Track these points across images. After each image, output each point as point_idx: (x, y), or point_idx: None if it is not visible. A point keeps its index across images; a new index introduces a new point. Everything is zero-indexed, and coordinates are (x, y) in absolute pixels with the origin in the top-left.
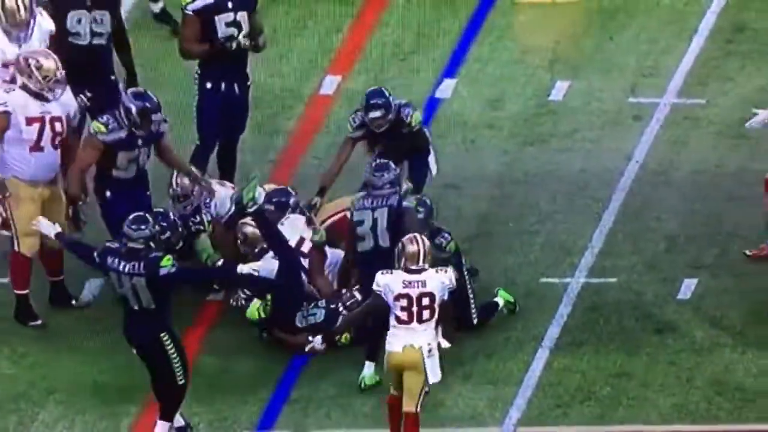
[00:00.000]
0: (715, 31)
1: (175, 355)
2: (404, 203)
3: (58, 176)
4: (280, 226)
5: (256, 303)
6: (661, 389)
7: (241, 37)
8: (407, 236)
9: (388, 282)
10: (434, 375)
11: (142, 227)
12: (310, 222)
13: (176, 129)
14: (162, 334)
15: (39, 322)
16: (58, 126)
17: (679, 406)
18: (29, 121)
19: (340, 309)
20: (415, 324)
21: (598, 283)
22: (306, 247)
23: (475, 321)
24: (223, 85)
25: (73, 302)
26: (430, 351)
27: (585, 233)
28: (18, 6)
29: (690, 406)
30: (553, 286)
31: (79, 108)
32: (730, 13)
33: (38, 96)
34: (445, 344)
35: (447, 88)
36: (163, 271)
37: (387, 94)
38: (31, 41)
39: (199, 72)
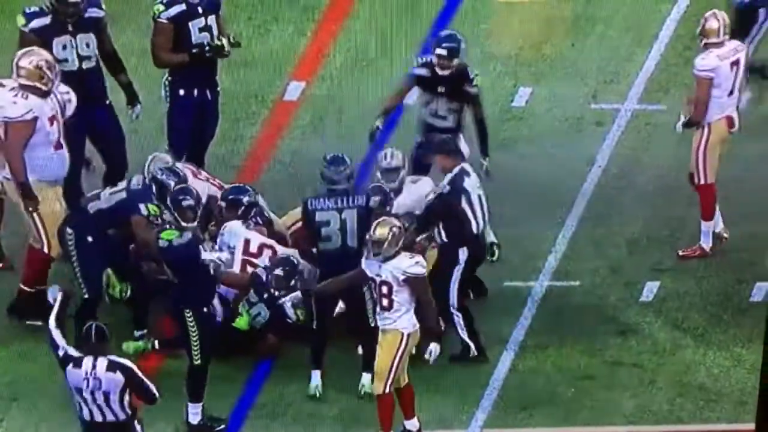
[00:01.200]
0: (675, 39)
1: (195, 335)
2: (370, 203)
3: None
4: (219, 236)
5: (244, 316)
6: (624, 391)
7: (225, 42)
8: (378, 220)
9: (398, 266)
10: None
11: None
12: (270, 230)
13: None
14: (186, 311)
15: (40, 322)
16: (61, 119)
17: (643, 407)
18: (51, 120)
19: (286, 301)
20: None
21: (562, 286)
22: (254, 247)
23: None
24: (195, 92)
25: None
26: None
27: (548, 237)
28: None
29: (653, 407)
30: (518, 290)
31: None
32: (690, 21)
33: (46, 95)
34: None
35: (411, 93)
36: (162, 243)
37: (460, 41)
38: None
39: (170, 79)
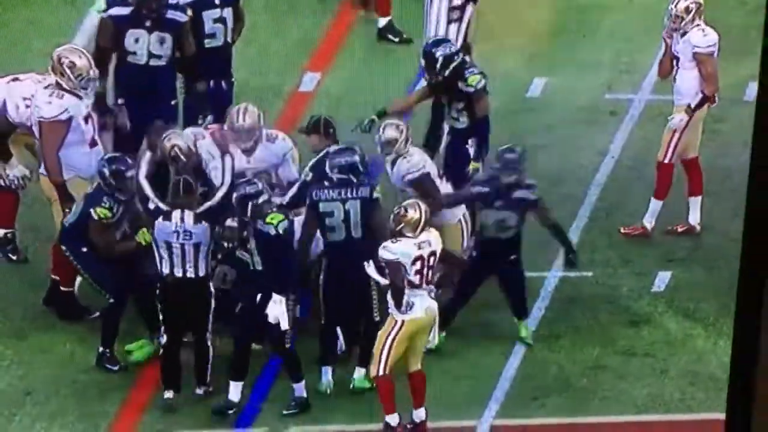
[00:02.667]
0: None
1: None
2: (374, 194)
3: None
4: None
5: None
6: (636, 380)
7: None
8: (409, 201)
9: (405, 249)
10: (435, 336)
11: None
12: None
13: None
14: (278, 298)
15: (97, 313)
16: (96, 115)
17: (654, 396)
18: (86, 119)
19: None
20: (424, 285)
21: (574, 277)
22: None
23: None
24: (211, 84)
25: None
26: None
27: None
28: (90, 62)
29: (664, 397)
30: (530, 281)
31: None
32: (705, 10)
33: (73, 94)
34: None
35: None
36: (267, 228)
37: (439, 47)
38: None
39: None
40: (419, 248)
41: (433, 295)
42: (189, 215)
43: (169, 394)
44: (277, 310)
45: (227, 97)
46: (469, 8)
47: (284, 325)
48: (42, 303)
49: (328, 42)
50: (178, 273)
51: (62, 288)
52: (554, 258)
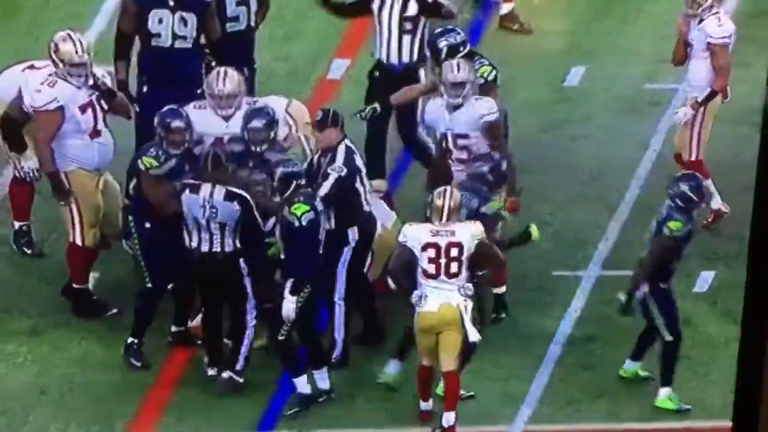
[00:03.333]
0: (733, 17)
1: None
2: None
3: None
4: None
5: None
6: (676, 385)
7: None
8: (439, 189)
9: (416, 233)
10: (474, 334)
11: None
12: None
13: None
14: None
15: (115, 310)
16: (104, 104)
17: (695, 402)
18: (83, 109)
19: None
20: (443, 277)
21: (613, 275)
22: None
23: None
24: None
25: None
26: (466, 309)
27: (599, 224)
28: (76, 47)
29: (705, 402)
30: (566, 279)
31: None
32: None
33: (67, 83)
34: (471, 293)
35: None
36: (291, 219)
37: (443, 37)
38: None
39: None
40: (434, 235)
41: (463, 291)
42: (220, 191)
43: (212, 371)
44: (288, 307)
45: (249, 85)
46: (423, 19)
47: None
48: (61, 294)
49: (358, 28)
50: (205, 248)
51: (74, 285)
52: (591, 255)
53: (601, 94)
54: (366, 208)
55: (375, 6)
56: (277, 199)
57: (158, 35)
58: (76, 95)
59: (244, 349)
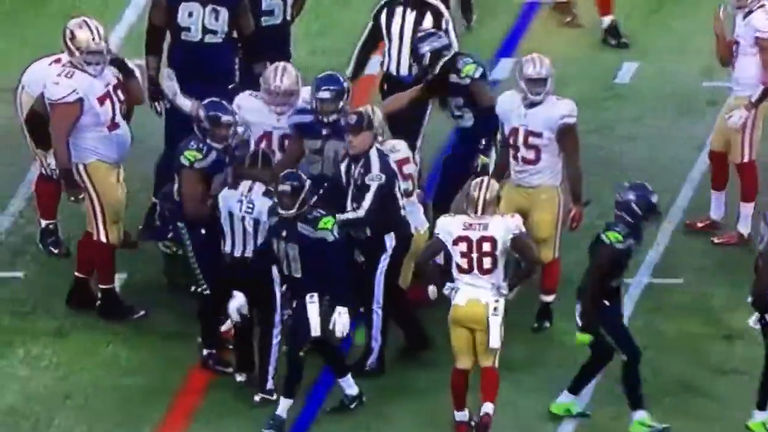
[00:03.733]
0: None
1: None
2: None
3: None
4: None
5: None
6: (727, 401)
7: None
8: (477, 180)
9: (448, 226)
10: (495, 339)
11: None
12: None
13: None
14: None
15: (142, 312)
16: (120, 94)
17: (748, 419)
18: (101, 100)
19: None
20: (476, 273)
21: (663, 283)
22: None
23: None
24: (268, 65)
25: (141, 313)
26: (495, 310)
27: (650, 229)
28: (92, 34)
29: None
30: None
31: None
32: None
33: (84, 72)
34: (505, 293)
35: (503, 68)
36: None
37: (425, 42)
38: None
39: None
40: (465, 229)
41: (495, 291)
42: (260, 187)
43: (240, 377)
44: (343, 322)
45: None
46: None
47: (315, 332)
48: (66, 303)
49: None
50: (237, 252)
51: (100, 285)
52: (640, 261)
53: (654, 92)
54: (402, 213)
55: (383, 20)
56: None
57: (188, 29)
58: (94, 86)
59: (271, 369)
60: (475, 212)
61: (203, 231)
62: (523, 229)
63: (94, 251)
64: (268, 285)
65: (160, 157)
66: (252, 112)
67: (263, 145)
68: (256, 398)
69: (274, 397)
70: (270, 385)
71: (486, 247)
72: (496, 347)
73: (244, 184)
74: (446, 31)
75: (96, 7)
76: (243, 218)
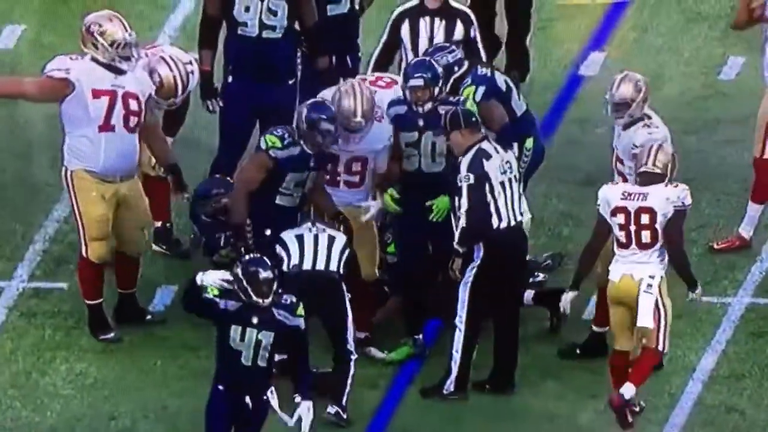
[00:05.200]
0: None
1: None
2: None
3: (137, 171)
4: None
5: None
6: None
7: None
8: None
9: (607, 194)
10: (644, 317)
11: None
12: None
13: None
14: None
15: (111, 335)
16: (133, 104)
17: None
18: (96, 93)
19: None
20: (634, 248)
21: (767, 304)
22: None
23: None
24: (334, 59)
25: (148, 317)
26: (649, 287)
27: (752, 242)
28: (123, 24)
29: None
30: (711, 307)
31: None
32: None
33: (110, 68)
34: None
35: (594, 62)
36: None
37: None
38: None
39: (303, 45)
40: (623, 199)
41: (654, 266)
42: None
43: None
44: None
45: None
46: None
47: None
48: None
49: None
50: (308, 265)
51: (120, 291)
52: (741, 280)
53: (762, 90)
54: (495, 224)
55: (405, 33)
56: None
57: (245, 24)
58: (95, 77)
59: (347, 387)
60: (635, 181)
61: (268, 232)
62: (688, 202)
63: (78, 264)
64: (341, 299)
65: (215, 158)
66: None
67: (329, 167)
68: (331, 410)
69: (345, 415)
70: (345, 401)
71: (644, 219)
72: (644, 326)
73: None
74: (473, 40)
75: None
76: (316, 237)
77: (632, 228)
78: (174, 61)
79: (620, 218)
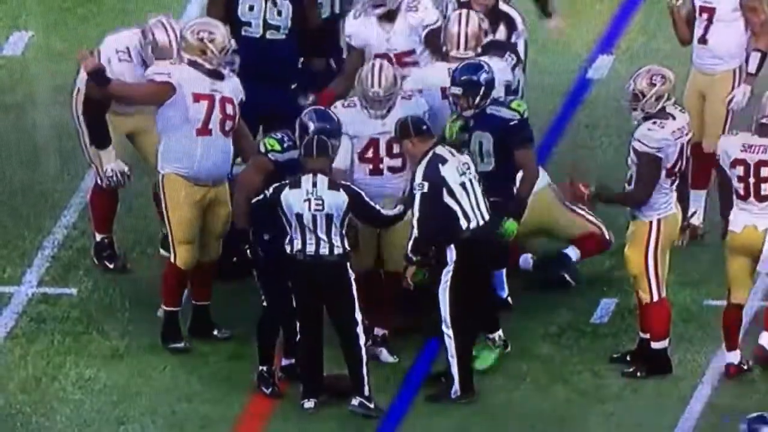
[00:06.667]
0: None
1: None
2: None
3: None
4: None
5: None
6: None
7: None
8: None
9: (726, 145)
10: (765, 262)
11: None
12: None
13: None
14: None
15: (181, 345)
16: (229, 109)
17: None
18: (197, 97)
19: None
20: (752, 200)
21: None
22: None
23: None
24: (332, 63)
25: (215, 332)
26: None
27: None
28: (225, 29)
29: None
30: (720, 311)
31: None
32: None
33: (209, 73)
34: None
35: (602, 66)
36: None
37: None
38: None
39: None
40: (743, 151)
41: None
42: (323, 181)
43: (309, 404)
44: None
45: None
46: None
47: None
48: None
49: None
50: (310, 249)
51: (194, 302)
52: (754, 284)
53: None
54: (464, 225)
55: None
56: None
57: (248, 24)
58: (196, 81)
59: (365, 377)
60: (754, 133)
61: (266, 237)
62: None
63: (165, 269)
64: (347, 285)
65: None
66: (350, 124)
67: (370, 153)
68: (354, 402)
69: (372, 405)
70: (367, 392)
71: (764, 172)
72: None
73: (306, 181)
74: (515, 46)
75: (157, 1)
76: (314, 216)
77: (751, 180)
78: (171, 27)
79: (739, 170)
